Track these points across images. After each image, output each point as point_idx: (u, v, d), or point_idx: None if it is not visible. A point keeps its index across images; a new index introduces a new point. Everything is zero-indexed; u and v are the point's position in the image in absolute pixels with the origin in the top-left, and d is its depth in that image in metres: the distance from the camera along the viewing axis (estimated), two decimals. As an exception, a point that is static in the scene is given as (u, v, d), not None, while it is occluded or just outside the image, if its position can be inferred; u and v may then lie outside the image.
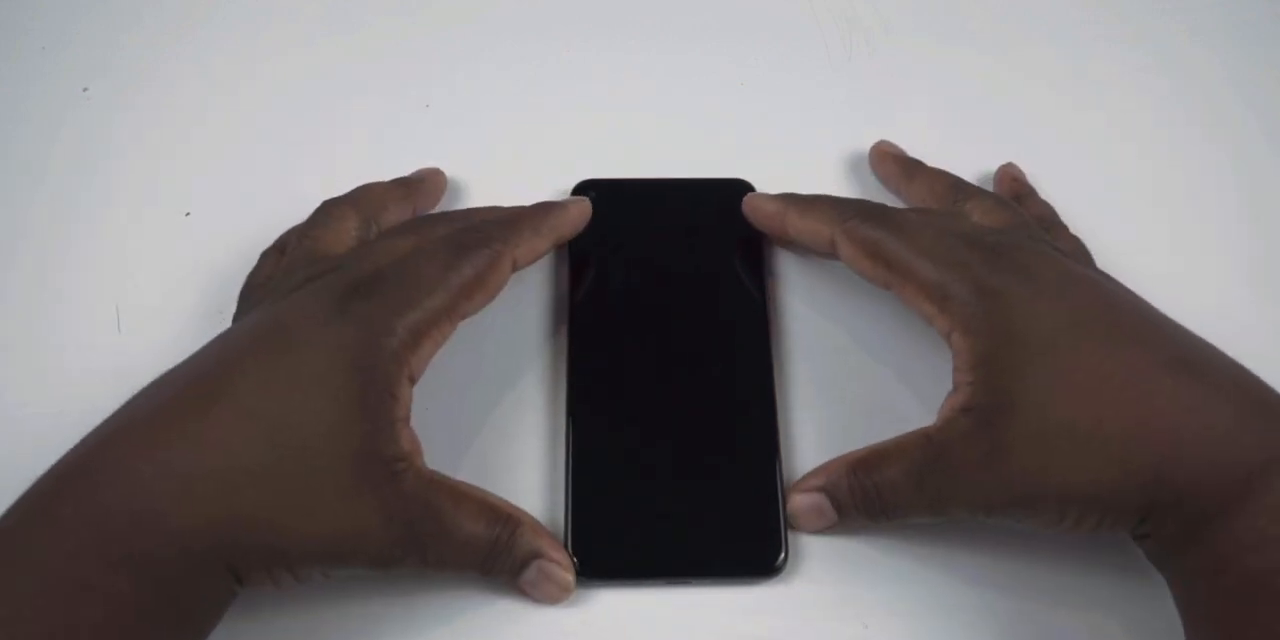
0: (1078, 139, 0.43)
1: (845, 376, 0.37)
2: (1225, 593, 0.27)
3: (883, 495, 0.31)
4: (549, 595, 0.31)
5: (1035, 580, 0.33)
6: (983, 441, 0.29)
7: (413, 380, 0.30)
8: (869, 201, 0.36)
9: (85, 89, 0.43)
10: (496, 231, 0.33)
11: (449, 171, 0.41)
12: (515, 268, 0.33)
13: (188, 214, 0.40)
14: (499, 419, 0.36)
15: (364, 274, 0.31)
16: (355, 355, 0.29)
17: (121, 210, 0.40)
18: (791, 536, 0.33)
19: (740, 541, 0.33)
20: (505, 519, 0.30)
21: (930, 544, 0.33)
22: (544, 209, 0.35)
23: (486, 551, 0.30)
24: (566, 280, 0.38)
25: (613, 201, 0.39)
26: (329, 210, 0.36)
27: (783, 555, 0.32)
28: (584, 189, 0.40)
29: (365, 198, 0.37)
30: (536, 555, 0.31)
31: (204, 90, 0.44)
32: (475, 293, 0.32)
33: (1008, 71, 0.45)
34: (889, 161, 0.41)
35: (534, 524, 0.31)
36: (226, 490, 0.27)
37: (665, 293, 0.37)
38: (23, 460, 0.28)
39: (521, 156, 0.42)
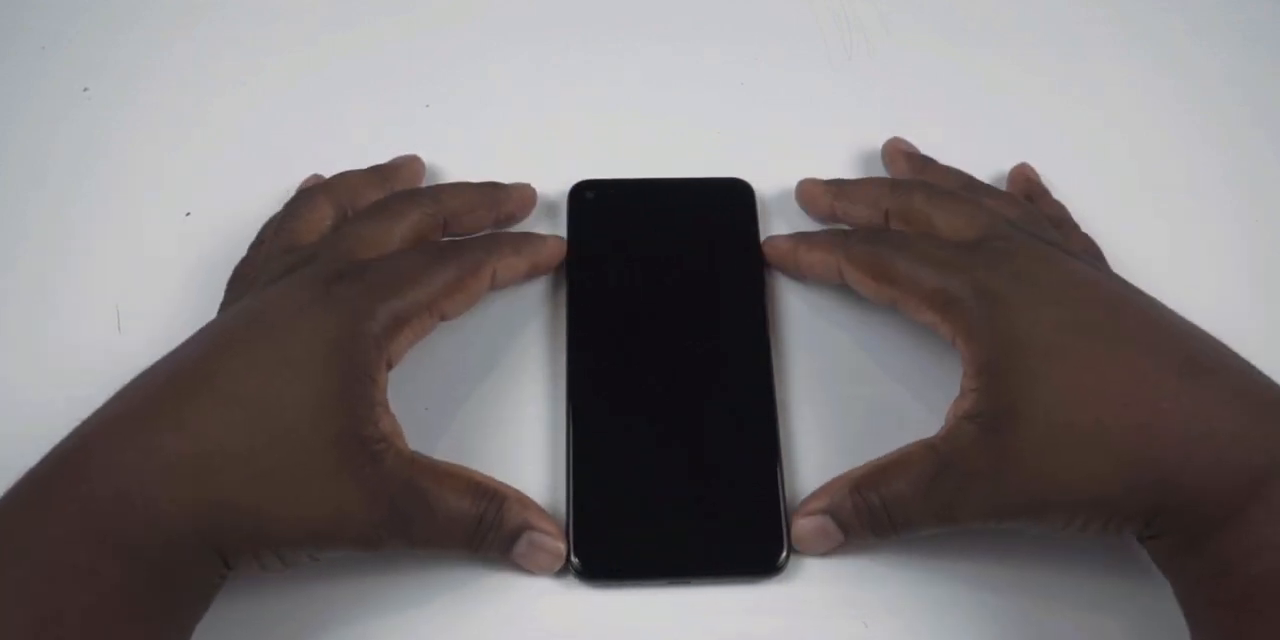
0: (1077, 139, 0.43)
1: (845, 375, 0.37)
2: (1230, 596, 0.27)
3: (890, 510, 0.30)
4: (542, 565, 0.32)
5: (1036, 580, 0.33)
6: (990, 449, 0.29)
7: (390, 366, 0.31)
8: (872, 226, 0.36)
9: (85, 89, 0.43)
10: (479, 243, 0.35)
11: (449, 171, 0.41)
12: (495, 282, 0.35)
13: (188, 214, 0.40)
14: (499, 420, 0.36)
15: (348, 263, 0.32)
16: (336, 339, 0.29)
17: (121, 210, 0.40)
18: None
19: (742, 540, 0.33)
20: (491, 495, 0.30)
21: (931, 544, 0.33)
22: (522, 234, 0.37)
23: (473, 528, 0.30)
24: (565, 281, 0.38)
25: (612, 201, 0.39)
26: (304, 200, 0.36)
27: (784, 554, 0.32)
28: (582, 189, 0.40)
29: (340, 186, 0.37)
30: (525, 527, 0.31)
31: (204, 90, 0.44)
32: (456, 293, 0.33)
33: (1008, 71, 0.45)
34: (900, 159, 0.41)
35: (520, 497, 0.31)
36: (209, 474, 0.27)
37: (665, 292, 0.37)
38: (24, 460, 0.28)
39: (521, 156, 0.42)
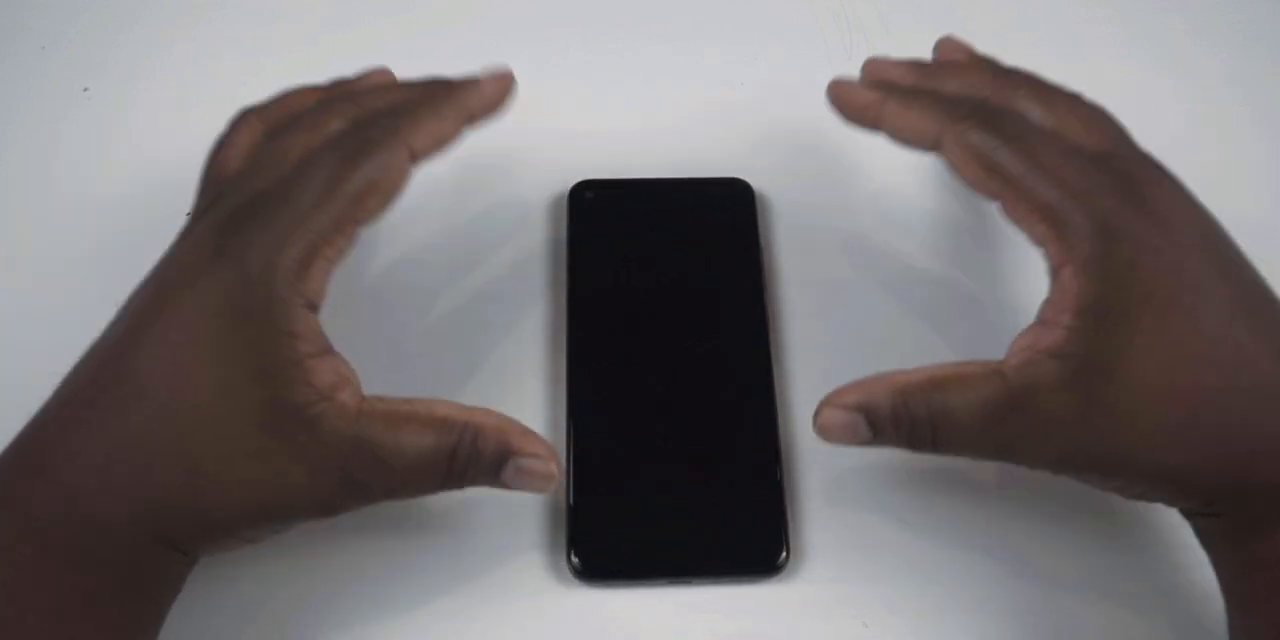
0: (1078, 139, 0.43)
1: (845, 374, 0.36)
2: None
3: (939, 427, 0.27)
4: (535, 488, 0.29)
5: (1036, 580, 0.33)
6: (1076, 395, 0.27)
7: (314, 307, 0.28)
8: (985, 102, 0.31)
9: (85, 89, 0.43)
10: (389, 122, 0.30)
11: (447, 170, 0.41)
12: (416, 159, 0.30)
13: (188, 214, 0.40)
14: (499, 419, 0.36)
15: (243, 200, 0.29)
16: (237, 304, 0.27)
17: (121, 210, 0.40)
18: (793, 536, 0.33)
19: (742, 541, 0.33)
20: (461, 427, 0.28)
21: (930, 543, 0.33)
22: (446, 87, 0.32)
23: (445, 465, 0.28)
24: (565, 280, 0.38)
25: (612, 201, 0.39)
26: (235, 124, 0.32)
27: (784, 554, 0.32)
28: (582, 189, 0.40)
29: (281, 106, 0.33)
30: (508, 453, 0.28)
31: (204, 89, 0.44)
32: (369, 199, 0.29)
33: (1008, 71, 0.45)
34: (961, 55, 0.36)
35: (499, 424, 0.29)
36: (138, 472, 0.26)
37: (664, 292, 0.37)
38: (23, 460, 0.28)
39: (520, 156, 0.42)
